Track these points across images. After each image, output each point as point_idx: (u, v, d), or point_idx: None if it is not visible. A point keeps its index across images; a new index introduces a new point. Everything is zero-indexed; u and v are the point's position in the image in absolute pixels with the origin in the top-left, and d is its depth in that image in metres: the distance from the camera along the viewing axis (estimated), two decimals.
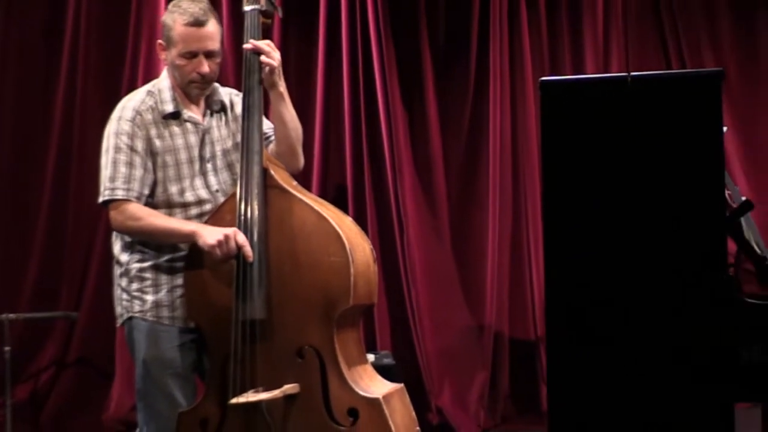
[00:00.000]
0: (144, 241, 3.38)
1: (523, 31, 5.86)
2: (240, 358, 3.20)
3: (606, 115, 3.45)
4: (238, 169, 3.33)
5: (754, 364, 3.32)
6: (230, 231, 3.20)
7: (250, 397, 3.16)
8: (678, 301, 3.38)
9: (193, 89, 3.41)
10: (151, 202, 3.36)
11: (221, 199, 3.40)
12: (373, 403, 3.16)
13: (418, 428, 3.36)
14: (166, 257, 3.38)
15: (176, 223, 3.34)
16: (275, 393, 3.16)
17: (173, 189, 3.38)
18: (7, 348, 5.10)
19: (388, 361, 4.94)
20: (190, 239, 3.27)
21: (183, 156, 3.39)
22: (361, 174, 5.76)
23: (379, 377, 3.42)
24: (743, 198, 3.81)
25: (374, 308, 5.30)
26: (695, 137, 3.38)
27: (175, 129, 3.40)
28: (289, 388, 3.18)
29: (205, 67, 3.36)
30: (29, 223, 5.77)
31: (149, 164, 3.35)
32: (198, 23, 3.33)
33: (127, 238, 3.40)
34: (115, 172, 3.32)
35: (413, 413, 3.38)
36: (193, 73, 3.37)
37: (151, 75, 5.41)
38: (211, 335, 3.31)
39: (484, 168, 5.84)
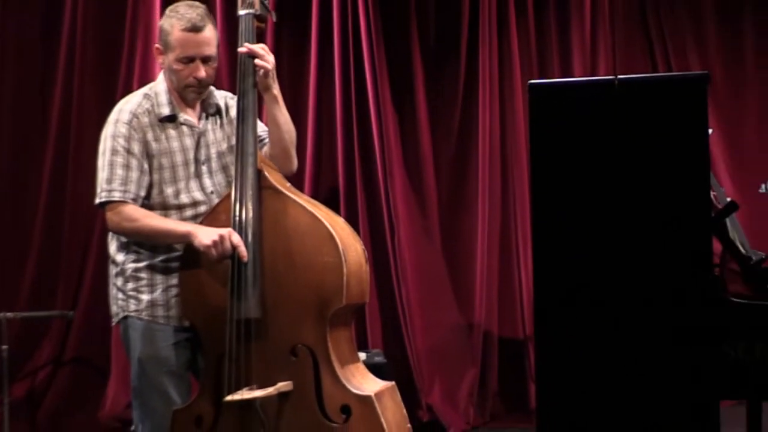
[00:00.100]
0: (139, 241, 3.39)
1: (511, 33, 5.89)
2: (234, 357, 3.20)
3: (593, 117, 3.48)
4: (232, 171, 3.32)
5: (739, 362, 3.37)
6: (225, 231, 3.20)
7: (245, 394, 3.15)
8: (664, 301, 3.42)
9: (189, 93, 3.41)
10: (146, 203, 3.37)
11: (216, 200, 3.40)
12: (365, 401, 3.17)
13: (408, 425, 3.36)
14: (161, 257, 3.39)
15: (172, 224, 3.35)
16: (269, 391, 3.16)
17: (169, 191, 3.38)
18: (4, 346, 5.10)
19: (379, 359, 4.93)
20: (186, 240, 3.28)
21: (179, 158, 3.40)
22: (353, 175, 5.78)
23: (371, 375, 3.42)
24: (728, 199, 3.84)
25: (366, 307, 5.36)
26: (681, 139, 3.42)
27: (171, 132, 3.40)
28: (283, 385, 3.18)
29: (202, 72, 3.36)
30: (26, 223, 5.77)
31: (145, 166, 3.36)
32: (195, 29, 3.34)
33: (123, 239, 3.41)
34: (112, 174, 3.32)
35: (404, 410, 3.38)
36: (190, 78, 3.37)
37: (146, 74, 5.46)
38: (205, 334, 3.31)
39: (473, 169, 5.87)
